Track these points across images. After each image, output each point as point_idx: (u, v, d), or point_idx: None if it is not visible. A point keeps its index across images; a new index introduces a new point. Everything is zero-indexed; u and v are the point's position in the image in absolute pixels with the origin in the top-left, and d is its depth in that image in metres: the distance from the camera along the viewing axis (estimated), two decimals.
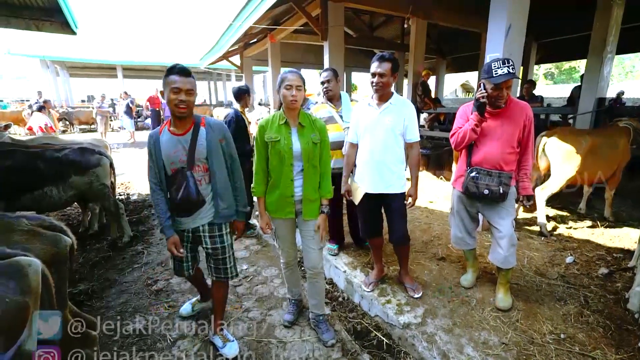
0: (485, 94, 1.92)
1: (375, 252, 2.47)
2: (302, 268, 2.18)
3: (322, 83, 2.69)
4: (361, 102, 2.32)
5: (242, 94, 3.49)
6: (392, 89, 2.18)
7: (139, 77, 19.49)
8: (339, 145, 2.59)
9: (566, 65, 30.71)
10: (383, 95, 2.14)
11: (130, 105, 11.05)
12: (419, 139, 2.21)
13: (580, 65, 28.85)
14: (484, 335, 1.94)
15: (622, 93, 8.92)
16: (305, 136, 1.88)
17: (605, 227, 3.43)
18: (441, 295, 2.32)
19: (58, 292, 1.36)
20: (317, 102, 3.02)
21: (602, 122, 4.26)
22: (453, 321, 2.06)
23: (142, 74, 18.95)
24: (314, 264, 2.04)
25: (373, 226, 2.35)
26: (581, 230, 3.41)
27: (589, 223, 3.53)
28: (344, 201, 2.86)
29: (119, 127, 13.62)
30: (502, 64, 1.86)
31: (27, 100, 14.93)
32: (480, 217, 2.35)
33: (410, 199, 2.22)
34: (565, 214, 3.82)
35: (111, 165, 3.44)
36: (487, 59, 3.04)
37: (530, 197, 2.11)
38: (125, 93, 11.96)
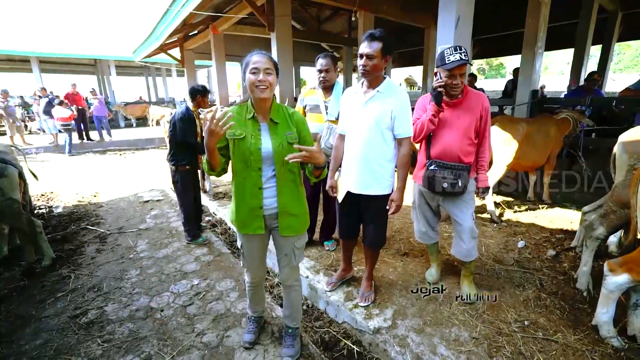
0: (443, 82, 1.86)
1: (344, 252, 2.33)
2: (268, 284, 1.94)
3: (319, 72, 2.41)
4: (352, 87, 2.06)
5: (196, 94, 3.33)
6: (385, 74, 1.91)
7: (60, 72, 17.04)
8: (313, 137, 2.40)
9: (496, 61, 33.80)
10: (373, 80, 1.88)
11: (53, 103, 9.63)
12: (411, 134, 1.91)
13: (507, 61, 31.94)
14: (454, 332, 1.90)
15: (544, 87, 10.12)
16: (278, 135, 1.56)
17: (545, 209, 3.70)
18: (409, 293, 2.25)
19: None
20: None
21: (536, 112, 4.60)
22: (423, 320, 2.00)
23: (64, 69, 16.66)
24: (290, 278, 1.81)
25: (348, 227, 2.20)
26: (526, 213, 3.63)
27: (531, 206, 3.79)
28: None
29: (38, 129, 11.86)
30: (454, 51, 1.81)
31: None
32: (440, 209, 2.32)
33: (393, 205, 1.92)
34: (509, 199, 4.06)
35: (21, 175, 2.85)
36: (439, 50, 3.05)
37: (487, 189, 2.12)
38: (44, 89, 10.40)
